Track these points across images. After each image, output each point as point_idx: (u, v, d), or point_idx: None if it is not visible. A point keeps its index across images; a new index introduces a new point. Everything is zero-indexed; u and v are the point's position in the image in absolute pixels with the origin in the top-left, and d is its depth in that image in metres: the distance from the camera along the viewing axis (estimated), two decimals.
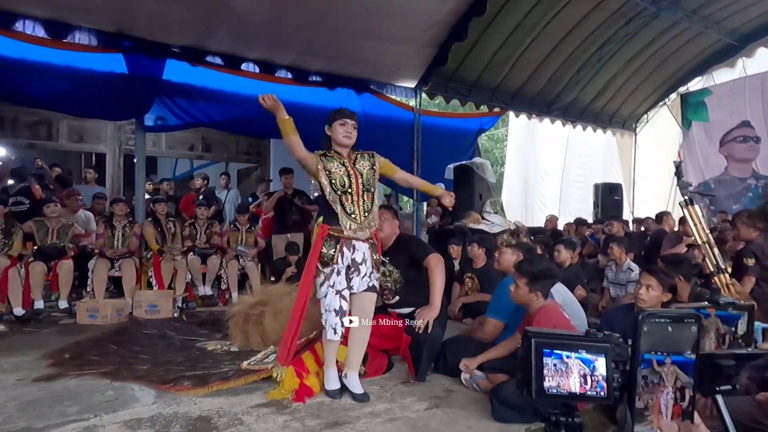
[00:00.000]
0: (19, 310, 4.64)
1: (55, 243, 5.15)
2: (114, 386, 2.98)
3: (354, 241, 2.80)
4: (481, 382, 2.96)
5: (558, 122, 10.00)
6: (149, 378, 3.03)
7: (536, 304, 2.77)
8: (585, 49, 8.64)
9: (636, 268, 4.77)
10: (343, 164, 2.80)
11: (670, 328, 0.76)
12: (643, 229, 7.69)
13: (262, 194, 7.35)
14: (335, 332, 2.78)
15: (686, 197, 2.78)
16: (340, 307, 2.78)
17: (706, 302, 0.96)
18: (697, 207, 2.76)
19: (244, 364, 3.12)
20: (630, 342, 0.80)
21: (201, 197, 7.05)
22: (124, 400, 2.78)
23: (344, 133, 2.80)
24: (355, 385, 2.85)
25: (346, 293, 2.81)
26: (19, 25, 5.08)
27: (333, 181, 2.78)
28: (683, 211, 2.79)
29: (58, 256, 5.03)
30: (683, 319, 0.76)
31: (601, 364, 0.77)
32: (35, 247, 5.08)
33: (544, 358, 0.77)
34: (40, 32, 5.21)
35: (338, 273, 2.78)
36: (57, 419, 2.50)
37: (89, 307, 4.76)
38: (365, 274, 2.85)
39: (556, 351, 0.77)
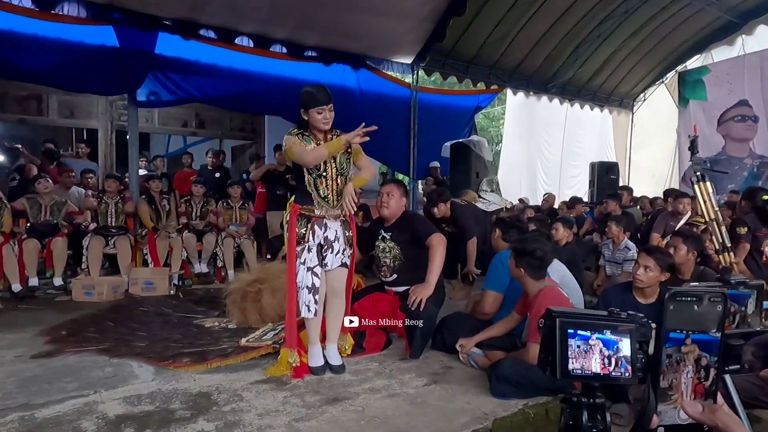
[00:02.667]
0: (16, 287, 4.61)
1: (49, 220, 5.09)
2: (113, 363, 2.98)
3: (325, 220, 2.83)
4: (479, 360, 2.99)
5: (556, 100, 9.92)
6: (148, 355, 3.04)
7: (531, 285, 2.77)
8: (584, 26, 8.52)
9: (633, 246, 4.79)
10: (319, 146, 2.75)
11: (695, 307, 0.74)
12: (639, 207, 7.70)
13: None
14: (309, 309, 2.79)
15: (698, 173, 2.77)
16: (312, 284, 2.80)
17: (719, 281, 0.95)
18: (708, 184, 2.75)
19: (243, 341, 3.12)
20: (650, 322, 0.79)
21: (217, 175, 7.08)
22: (123, 376, 2.78)
23: (322, 120, 2.74)
24: (333, 357, 2.91)
25: (318, 270, 2.82)
26: None
27: None
28: (694, 187, 2.77)
29: (52, 233, 4.97)
30: (709, 298, 0.75)
31: (625, 344, 0.76)
32: (28, 224, 5.02)
33: (569, 339, 0.75)
34: (27, 3, 5.05)
35: (309, 250, 2.80)
36: (56, 395, 2.50)
37: (85, 285, 4.74)
38: (338, 251, 2.88)
39: (580, 332, 0.76)
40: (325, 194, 2.80)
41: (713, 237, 2.93)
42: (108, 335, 3.47)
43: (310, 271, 2.80)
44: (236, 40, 6.28)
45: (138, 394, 2.54)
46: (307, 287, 2.79)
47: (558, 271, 3.53)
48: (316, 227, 2.81)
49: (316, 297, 2.81)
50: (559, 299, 2.71)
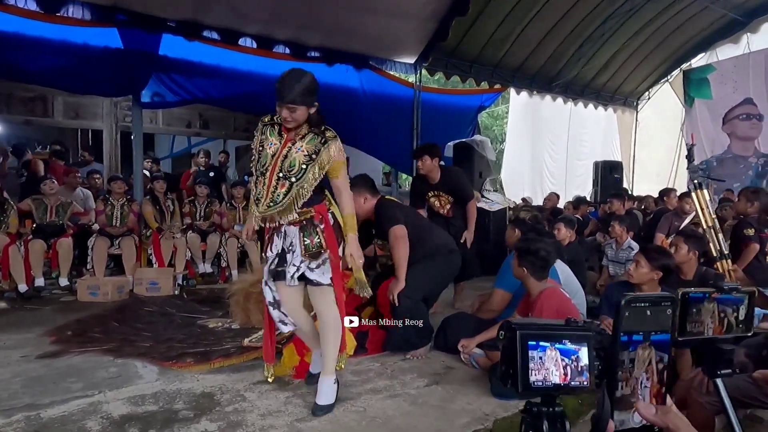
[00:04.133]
0: (23, 287, 4.66)
1: (54, 221, 5.14)
2: (117, 363, 3.01)
3: (284, 227, 2.40)
4: (480, 360, 3.00)
5: (559, 99, 9.91)
6: (152, 355, 3.07)
7: (533, 285, 2.78)
8: (588, 25, 8.50)
9: (636, 246, 4.78)
10: (281, 141, 2.35)
11: (648, 312, 0.77)
12: (643, 207, 7.69)
13: None
14: (284, 324, 2.53)
15: (696, 181, 2.79)
16: (273, 298, 2.50)
17: (711, 287, 0.97)
18: (705, 192, 2.76)
19: (246, 341, 3.15)
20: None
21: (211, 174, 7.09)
22: (127, 376, 2.81)
23: (286, 117, 2.29)
24: (322, 395, 2.42)
25: (271, 284, 2.49)
26: None
27: (259, 157, 2.38)
28: (692, 195, 2.80)
29: (58, 233, 5.02)
30: (660, 302, 0.77)
31: (583, 353, 0.77)
32: (34, 225, 5.07)
33: (530, 351, 0.76)
34: (33, 6, 5.09)
35: (266, 262, 2.50)
36: (62, 395, 2.53)
37: (90, 285, 4.78)
38: (291, 263, 2.39)
39: (541, 343, 0.77)
40: (260, 196, 2.34)
41: (711, 244, 2.94)
42: (113, 335, 3.50)
43: (266, 285, 2.50)
44: (239, 41, 6.30)
45: (142, 395, 2.56)
46: (269, 303, 2.51)
47: (561, 271, 3.54)
48: (274, 236, 2.43)
49: (283, 310, 2.51)
50: (561, 301, 2.72)
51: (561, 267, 3.56)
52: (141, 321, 3.89)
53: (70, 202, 5.41)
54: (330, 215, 2.42)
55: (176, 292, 5.11)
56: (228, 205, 6.16)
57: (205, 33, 6.03)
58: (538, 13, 7.82)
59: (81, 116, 7.70)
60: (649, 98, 11.30)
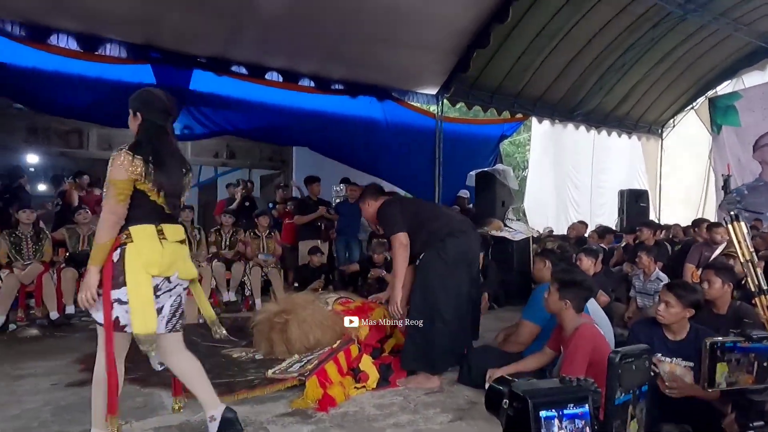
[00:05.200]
0: (54, 314, 4.78)
1: (86, 250, 5.27)
2: (143, 393, 3.04)
3: None
4: None
5: (582, 127, 9.88)
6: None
7: (570, 320, 2.69)
8: (609, 54, 8.54)
9: (665, 278, 4.67)
10: None
11: (634, 366, 0.77)
12: (670, 236, 7.52)
13: (281, 200, 7.49)
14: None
15: (732, 213, 2.71)
16: None
17: (740, 335, 0.95)
18: (742, 223, 2.68)
19: (269, 372, 3.16)
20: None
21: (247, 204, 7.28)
22: (152, 406, 2.84)
23: None
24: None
25: None
26: (53, 39, 5.26)
27: None
28: (728, 227, 2.72)
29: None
30: (641, 355, 0.78)
31: (585, 413, 0.77)
32: (67, 254, 5.23)
33: (543, 420, 0.76)
34: (73, 45, 5.39)
35: None
36: (89, 425, 2.56)
37: None
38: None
39: (550, 411, 0.77)
40: None
41: (749, 279, 2.84)
42: (139, 364, 3.52)
43: None
44: (266, 75, 6.53)
45: (168, 425, 2.59)
46: None
47: (589, 303, 3.47)
48: None
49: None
50: (596, 337, 2.64)
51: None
52: None
53: None
54: (119, 250, 2.09)
55: (200, 321, 5.16)
56: (252, 234, 6.25)
57: (234, 68, 6.26)
58: (558, 44, 7.90)
59: (113, 147, 7.94)
60: (674, 126, 11.18)
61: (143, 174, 2.07)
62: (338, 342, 3.29)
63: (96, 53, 5.50)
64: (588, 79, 8.92)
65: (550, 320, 3.10)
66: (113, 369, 2.24)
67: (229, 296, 5.84)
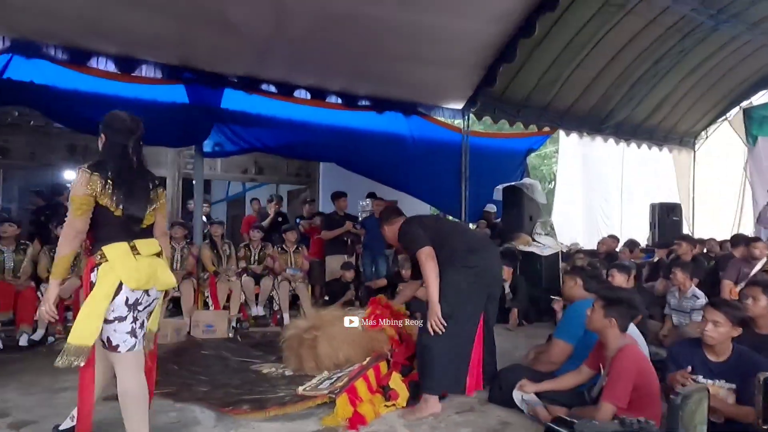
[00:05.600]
0: None
1: None
2: (177, 408, 3.09)
3: None
4: (540, 411, 2.88)
5: (611, 140, 9.73)
6: (209, 400, 3.13)
7: (614, 339, 2.61)
8: (638, 66, 8.41)
9: (701, 295, 4.53)
10: None
11: (693, 407, 0.75)
12: (705, 251, 7.29)
13: (308, 215, 7.58)
14: None
15: None
16: None
17: None
18: None
19: (300, 389, 3.17)
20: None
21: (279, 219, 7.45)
22: (186, 422, 2.88)
23: None
24: None
25: None
26: (93, 62, 5.47)
27: None
28: None
29: None
30: (700, 396, 0.76)
31: None
32: None
33: None
34: (111, 67, 5.59)
35: None
36: None
37: None
38: None
39: None
40: None
41: None
42: (172, 379, 3.61)
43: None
44: (295, 93, 6.64)
45: None
46: None
47: None
48: None
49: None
50: (640, 360, 2.57)
51: None
52: (198, 365, 4.00)
53: None
54: (95, 271, 2.19)
55: (231, 335, 5.24)
56: (279, 249, 6.33)
57: (263, 86, 6.40)
58: (587, 56, 7.83)
59: (148, 164, 8.22)
60: (707, 137, 10.91)
61: (101, 191, 2.16)
62: (368, 359, 3.29)
63: (132, 74, 5.69)
64: (617, 91, 8.80)
65: (583, 339, 3.04)
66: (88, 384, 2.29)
67: (257, 310, 5.91)
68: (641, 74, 8.55)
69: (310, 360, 3.52)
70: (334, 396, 2.95)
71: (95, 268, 2.18)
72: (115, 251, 2.19)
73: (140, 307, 2.26)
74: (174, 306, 5.81)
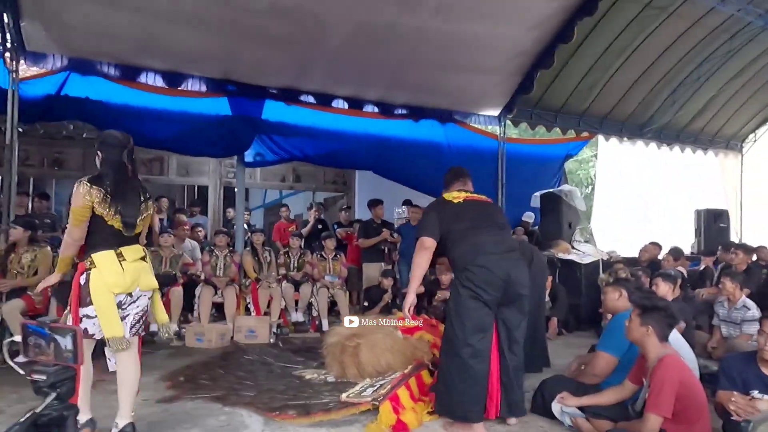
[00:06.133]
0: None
1: (168, 271, 5.64)
2: (225, 411, 3.20)
3: None
4: (582, 424, 2.85)
5: (652, 144, 9.48)
6: (256, 405, 3.23)
7: (653, 348, 2.57)
8: (681, 69, 8.19)
9: (753, 306, 4.37)
10: None
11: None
12: (755, 258, 6.98)
13: (345, 222, 7.69)
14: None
15: None
16: None
17: None
18: None
19: (344, 396, 3.23)
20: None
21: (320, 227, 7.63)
22: (235, 425, 2.98)
23: None
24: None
25: None
26: (142, 77, 5.74)
27: None
28: None
29: (171, 283, 5.50)
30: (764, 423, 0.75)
31: None
32: None
33: None
34: (159, 82, 5.84)
35: None
36: None
37: (197, 332, 5.16)
38: None
39: None
40: None
41: None
42: (219, 383, 3.74)
43: None
44: (333, 103, 6.77)
45: None
46: None
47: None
48: None
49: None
50: (682, 370, 2.52)
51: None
52: (243, 369, 4.12)
53: (181, 253, 5.93)
54: (84, 275, 2.50)
55: (272, 341, 5.36)
56: (318, 256, 6.44)
57: (302, 97, 6.56)
58: (626, 60, 7.67)
59: (190, 174, 8.54)
60: (755, 140, 10.49)
61: (100, 201, 2.46)
62: (409, 367, 3.33)
63: (179, 88, 5.93)
64: (659, 94, 8.58)
65: (628, 352, 2.98)
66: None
67: (297, 316, 6.03)
68: (685, 77, 8.32)
69: (352, 367, 3.58)
70: (377, 403, 2.99)
71: (85, 273, 2.50)
72: (104, 259, 2.50)
73: (124, 306, 2.59)
74: (217, 311, 6.00)
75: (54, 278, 2.70)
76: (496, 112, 7.80)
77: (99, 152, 2.61)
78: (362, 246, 6.80)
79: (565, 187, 7.60)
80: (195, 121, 6.11)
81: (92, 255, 2.49)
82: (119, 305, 2.54)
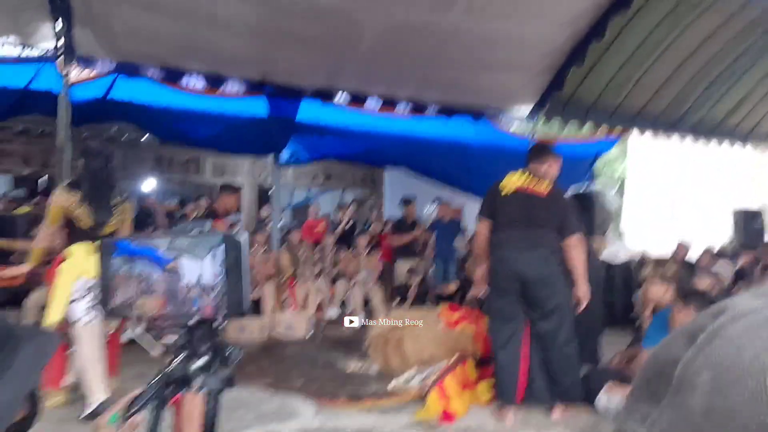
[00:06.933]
0: None
1: None
2: (276, 398, 3.32)
3: None
4: None
5: (685, 140, 9.33)
6: (306, 392, 3.35)
7: None
8: (717, 63, 8.04)
9: None
10: None
11: None
12: None
13: (377, 220, 7.80)
14: None
15: None
16: None
17: None
18: None
19: (391, 384, 3.32)
20: None
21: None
22: (289, 411, 3.10)
23: None
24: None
25: None
26: (184, 79, 5.93)
27: None
28: None
29: None
30: None
31: None
32: None
33: None
34: (200, 84, 6.03)
35: None
36: (238, 424, 2.87)
37: (239, 325, 5.32)
38: None
39: None
40: None
41: None
42: (266, 373, 3.88)
43: None
44: (366, 102, 6.87)
45: (306, 428, 2.83)
46: None
47: None
48: None
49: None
50: None
51: None
52: (287, 361, 4.27)
53: None
54: (61, 265, 2.89)
55: (309, 335, 5.49)
56: (353, 253, 6.56)
57: (336, 97, 6.67)
58: (660, 56, 7.59)
59: (226, 174, 8.75)
60: None
61: (75, 204, 2.85)
62: (453, 358, 3.40)
63: (219, 90, 6.11)
64: (694, 89, 8.45)
65: None
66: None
67: (332, 312, 6.16)
68: (721, 71, 8.18)
69: (396, 358, 3.67)
70: (424, 392, 3.07)
71: (62, 263, 2.87)
72: (78, 249, 2.88)
73: (97, 291, 2.83)
74: (255, 307, 6.16)
75: (26, 268, 3.07)
76: (527, 110, 7.79)
77: (80, 161, 3.08)
78: (394, 244, 6.90)
79: (596, 187, 7.56)
80: (233, 121, 6.29)
81: (69, 247, 2.92)
82: (92, 288, 2.84)
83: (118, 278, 0.73)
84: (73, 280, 2.79)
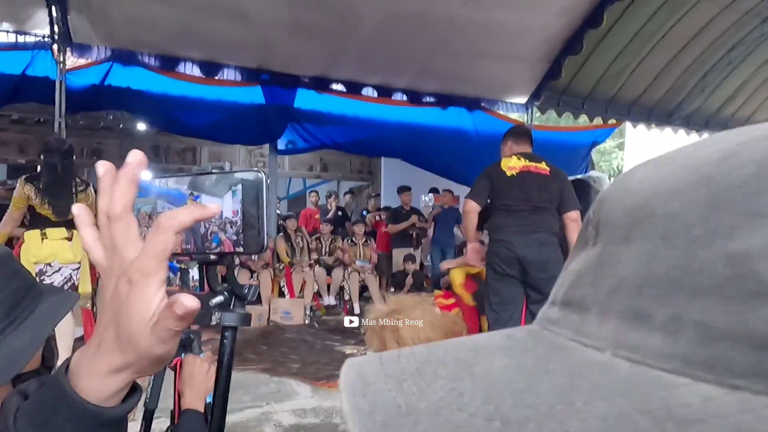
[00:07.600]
0: None
1: None
2: (274, 380, 3.38)
3: None
4: None
5: (681, 131, 9.39)
6: (303, 375, 3.40)
7: None
8: (711, 54, 8.08)
9: None
10: None
11: None
12: None
13: (373, 209, 7.83)
14: None
15: None
16: None
17: None
18: None
19: None
20: None
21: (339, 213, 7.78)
22: (286, 392, 3.15)
23: None
24: None
25: None
26: (181, 67, 5.92)
27: None
28: None
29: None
30: None
31: None
32: None
33: None
34: (197, 72, 6.02)
35: None
36: (237, 405, 2.91)
37: None
38: None
39: None
40: None
41: None
42: (264, 357, 3.92)
43: None
44: (362, 91, 6.88)
45: (303, 408, 2.87)
46: None
47: None
48: None
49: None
50: None
51: None
52: (285, 346, 4.30)
53: None
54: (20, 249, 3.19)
55: (307, 322, 5.54)
56: (350, 241, 6.60)
57: (333, 86, 6.68)
58: (656, 45, 7.61)
59: (222, 161, 8.76)
60: None
61: (33, 195, 3.14)
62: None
63: (215, 78, 6.11)
64: (688, 80, 8.49)
65: None
66: None
67: (329, 300, 6.21)
68: (715, 62, 8.21)
69: (392, 341, 3.69)
70: None
71: (20, 247, 3.18)
72: (30, 236, 3.18)
73: (47, 273, 3.17)
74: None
75: None
76: (523, 100, 7.82)
77: (41, 156, 3.38)
78: (391, 232, 6.94)
79: (593, 173, 7.59)
80: (230, 109, 6.29)
81: (25, 234, 3.22)
82: (41, 273, 3.14)
83: (140, 217, 0.76)
84: (29, 265, 2.98)
